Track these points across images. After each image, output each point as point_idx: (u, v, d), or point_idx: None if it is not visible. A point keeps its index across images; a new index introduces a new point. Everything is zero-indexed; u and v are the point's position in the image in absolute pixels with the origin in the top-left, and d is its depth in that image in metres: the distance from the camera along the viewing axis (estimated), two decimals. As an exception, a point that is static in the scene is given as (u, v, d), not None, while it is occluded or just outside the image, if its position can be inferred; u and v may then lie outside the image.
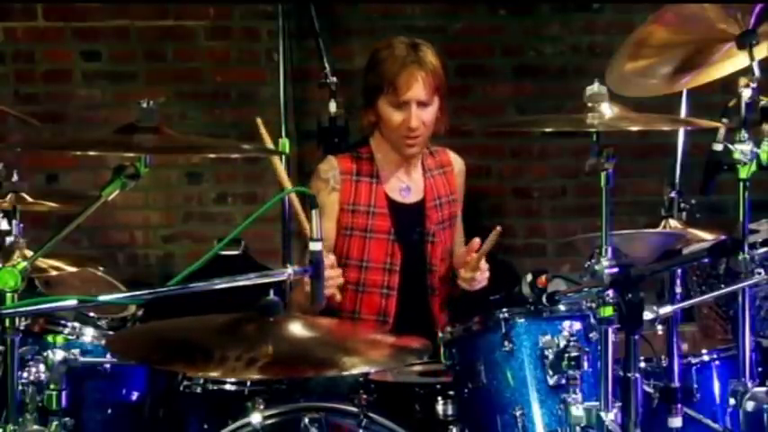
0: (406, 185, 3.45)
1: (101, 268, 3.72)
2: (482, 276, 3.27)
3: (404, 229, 3.41)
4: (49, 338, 2.94)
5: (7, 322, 2.42)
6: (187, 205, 5.20)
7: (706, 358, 3.08)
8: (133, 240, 5.20)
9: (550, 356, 2.71)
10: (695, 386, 3.04)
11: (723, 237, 2.94)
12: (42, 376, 2.80)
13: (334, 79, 4.15)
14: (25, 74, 5.09)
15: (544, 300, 2.65)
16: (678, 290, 3.09)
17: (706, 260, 3.04)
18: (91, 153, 2.83)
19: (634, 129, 2.76)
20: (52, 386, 2.79)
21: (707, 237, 3.23)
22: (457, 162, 3.56)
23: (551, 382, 2.70)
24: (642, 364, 2.92)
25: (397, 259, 3.38)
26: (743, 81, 2.72)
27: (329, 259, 3.16)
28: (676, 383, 2.90)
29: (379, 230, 3.38)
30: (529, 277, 2.68)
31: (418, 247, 3.41)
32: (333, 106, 4.12)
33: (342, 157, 3.47)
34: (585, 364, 2.69)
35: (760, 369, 2.82)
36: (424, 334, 2.53)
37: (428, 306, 3.42)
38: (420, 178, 3.47)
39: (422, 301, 3.41)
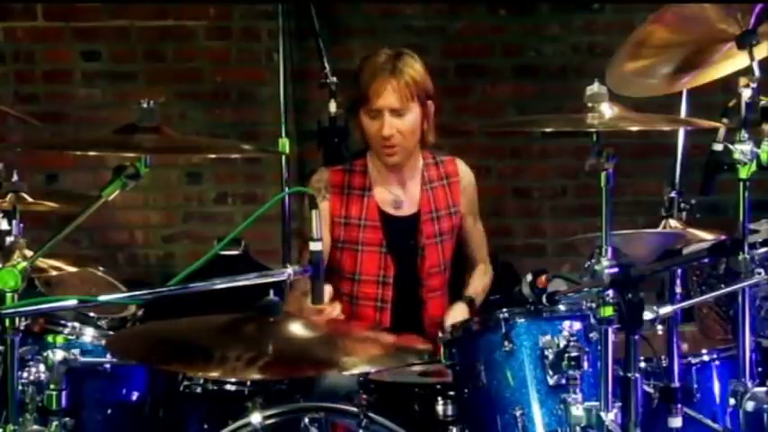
0: (400, 198, 3.43)
1: (101, 268, 3.72)
2: None
3: (396, 242, 3.39)
4: (49, 338, 2.94)
5: (7, 322, 2.42)
6: (187, 205, 5.20)
7: (706, 358, 3.08)
8: (133, 240, 5.20)
9: (550, 356, 2.71)
10: (695, 386, 3.03)
11: (723, 237, 2.94)
12: (42, 376, 2.80)
13: (335, 79, 4.15)
14: (25, 74, 5.10)
15: (544, 300, 2.65)
16: (678, 290, 3.09)
17: (706, 260, 3.04)
18: (91, 153, 2.83)
19: (634, 129, 2.76)
20: (52, 386, 2.79)
21: (707, 237, 3.23)
22: (465, 174, 3.52)
23: (551, 382, 2.70)
24: (642, 364, 2.92)
25: (390, 272, 3.37)
26: (743, 81, 2.72)
27: (327, 293, 3.14)
28: (676, 383, 2.90)
29: (371, 243, 3.37)
30: (529, 277, 2.68)
31: (411, 259, 3.40)
32: (333, 106, 4.12)
33: (334, 170, 3.45)
34: (585, 364, 2.69)
35: (760, 369, 2.81)
36: None
37: (420, 319, 3.41)
38: (417, 190, 3.44)
39: (414, 314, 3.40)
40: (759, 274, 2.69)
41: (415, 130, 3.32)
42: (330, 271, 3.34)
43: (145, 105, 2.48)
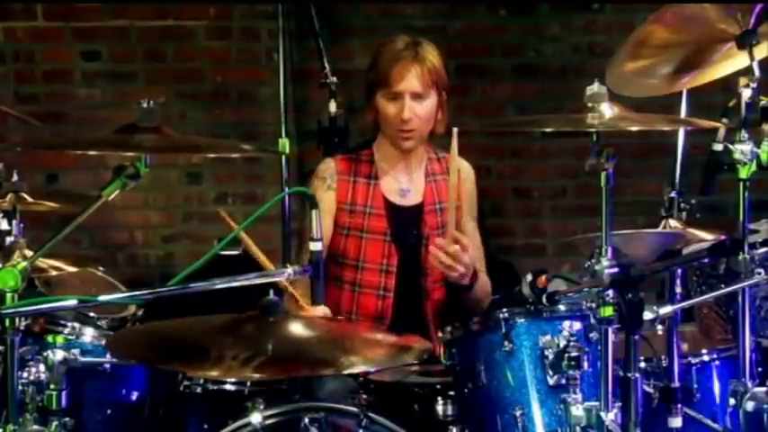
0: (405, 188, 3.45)
1: (101, 268, 3.72)
2: (463, 258, 3.18)
3: (401, 231, 3.41)
4: (49, 338, 2.94)
5: (7, 322, 2.42)
6: (187, 205, 5.20)
7: (706, 358, 3.08)
8: (133, 240, 5.20)
9: (550, 356, 2.71)
10: (695, 386, 3.03)
11: (723, 237, 2.94)
12: (42, 376, 2.80)
13: (335, 79, 4.16)
14: (25, 74, 5.10)
15: (544, 300, 2.65)
16: (678, 290, 3.09)
17: (706, 260, 3.04)
18: (91, 153, 2.84)
19: (634, 129, 2.76)
20: (52, 386, 2.79)
21: (707, 237, 3.23)
22: (463, 168, 3.53)
23: (551, 382, 2.70)
24: (642, 364, 2.92)
25: (393, 260, 3.38)
26: (743, 81, 2.72)
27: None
28: (676, 383, 2.90)
29: (375, 231, 3.39)
30: (529, 277, 2.68)
31: (414, 249, 3.41)
32: (333, 106, 4.13)
33: (341, 158, 3.48)
34: (585, 364, 2.69)
35: (760, 369, 2.81)
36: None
37: (422, 309, 3.41)
38: (421, 182, 3.46)
39: (417, 304, 3.41)
40: (759, 274, 2.69)
41: (431, 117, 3.36)
42: (334, 258, 3.37)
43: (145, 105, 2.48)
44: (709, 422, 2.99)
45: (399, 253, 3.39)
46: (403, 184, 3.45)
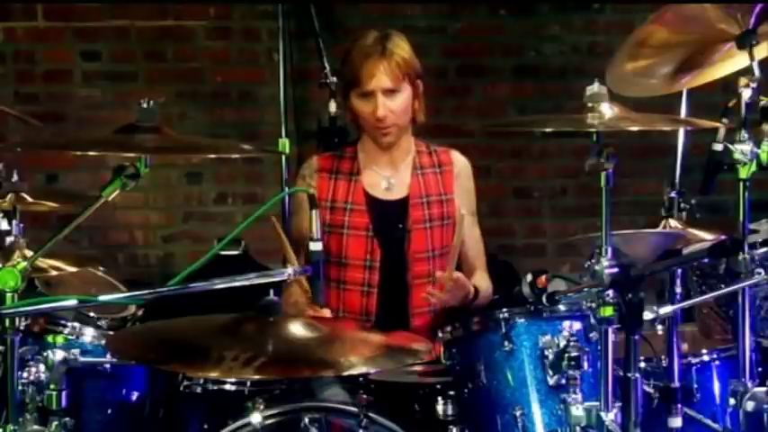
0: (389, 182, 3.44)
1: (101, 268, 3.72)
2: (459, 290, 3.24)
3: (384, 226, 3.39)
4: (49, 338, 2.94)
5: (7, 322, 2.42)
6: (187, 205, 5.21)
7: (706, 358, 3.08)
8: (133, 240, 5.20)
9: (550, 356, 2.71)
10: (695, 386, 3.03)
11: (723, 237, 2.94)
12: (42, 376, 2.80)
13: (335, 79, 4.16)
14: (25, 74, 5.10)
15: (544, 300, 2.65)
16: (678, 290, 3.09)
17: (706, 260, 3.04)
18: (91, 153, 2.83)
19: (634, 129, 2.76)
20: (52, 386, 2.78)
21: (707, 237, 3.23)
22: (458, 162, 3.52)
23: (551, 382, 2.70)
24: (642, 364, 2.92)
25: (376, 256, 3.37)
26: (743, 81, 2.72)
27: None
28: (676, 383, 2.90)
29: (357, 227, 3.38)
30: (529, 277, 2.67)
31: (398, 243, 3.39)
32: (333, 106, 4.13)
33: (323, 156, 3.50)
34: (585, 364, 2.69)
35: (760, 369, 2.81)
36: None
37: (405, 304, 3.40)
38: (407, 175, 3.44)
39: (400, 299, 3.39)
40: (759, 274, 2.69)
41: (407, 110, 3.35)
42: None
43: (145, 105, 2.48)
44: (709, 422, 2.99)
45: (382, 248, 3.37)
46: (387, 178, 3.44)
